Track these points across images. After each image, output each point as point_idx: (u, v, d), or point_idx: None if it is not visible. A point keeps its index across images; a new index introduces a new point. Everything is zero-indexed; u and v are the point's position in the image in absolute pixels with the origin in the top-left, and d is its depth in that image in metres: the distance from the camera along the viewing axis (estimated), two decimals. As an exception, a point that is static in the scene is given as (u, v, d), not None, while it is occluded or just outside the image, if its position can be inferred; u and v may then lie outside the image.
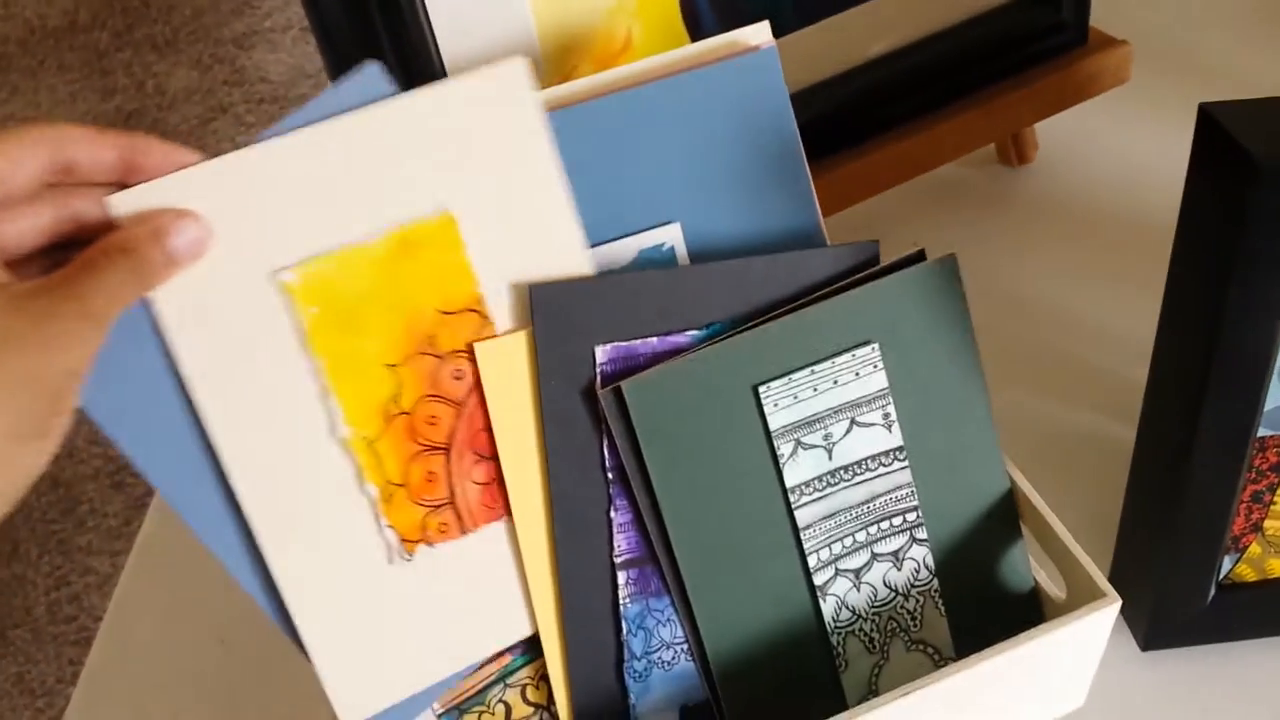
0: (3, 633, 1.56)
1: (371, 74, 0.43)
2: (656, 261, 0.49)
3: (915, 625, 0.51)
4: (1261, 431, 0.50)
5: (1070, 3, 0.70)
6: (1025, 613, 0.53)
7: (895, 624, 0.51)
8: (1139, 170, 0.76)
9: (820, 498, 0.49)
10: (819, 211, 0.51)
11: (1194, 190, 0.48)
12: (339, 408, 0.44)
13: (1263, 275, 0.46)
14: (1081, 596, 0.49)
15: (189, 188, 0.41)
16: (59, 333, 0.37)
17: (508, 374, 0.46)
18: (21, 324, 0.36)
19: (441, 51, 0.54)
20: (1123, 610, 0.56)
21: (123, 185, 0.40)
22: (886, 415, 0.49)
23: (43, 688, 1.52)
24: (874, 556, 0.50)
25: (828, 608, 0.50)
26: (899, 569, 0.50)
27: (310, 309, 0.43)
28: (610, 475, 0.47)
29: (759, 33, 0.50)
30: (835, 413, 0.48)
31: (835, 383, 0.48)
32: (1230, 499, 0.52)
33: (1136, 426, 0.56)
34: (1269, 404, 0.50)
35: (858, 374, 0.48)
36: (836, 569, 0.49)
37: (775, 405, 0.47)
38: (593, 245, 0.48)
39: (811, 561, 0.49)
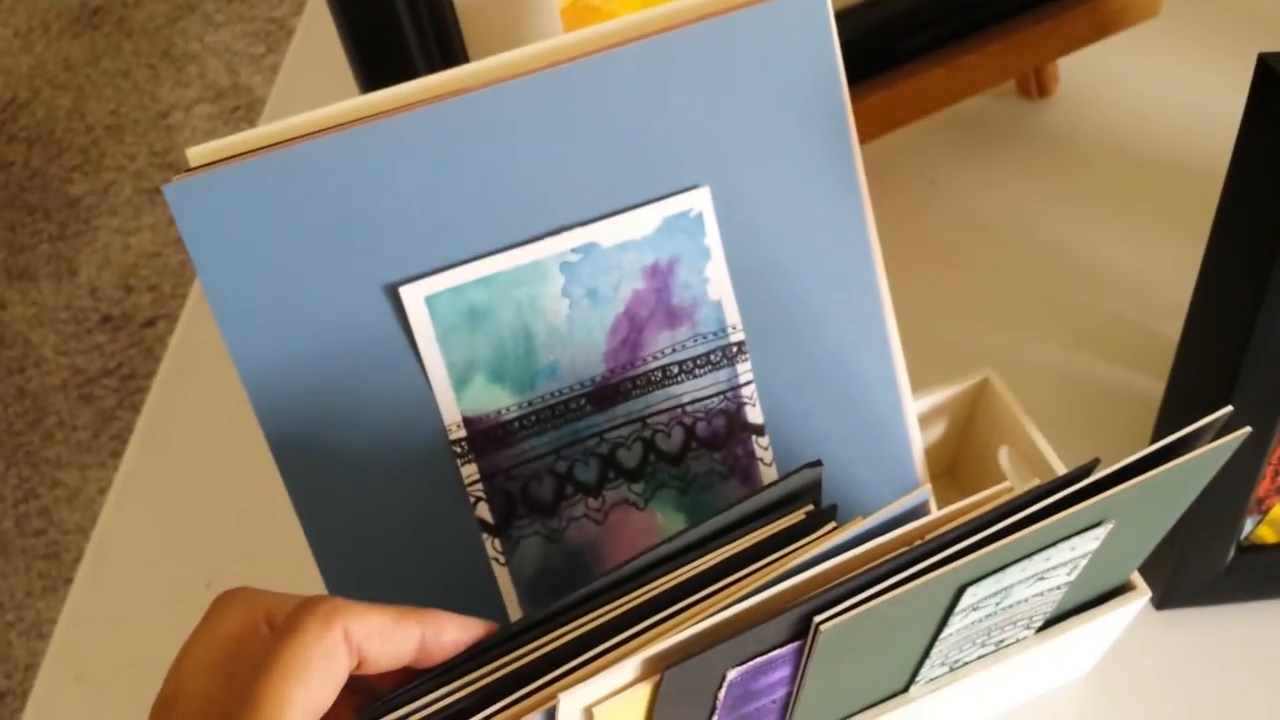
0: (-30, 545, 1.54)
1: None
2: (683, 229, 0.45)
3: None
4: (1298, 394, 0.49)
5: (1101, -69, 0.66)
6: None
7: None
8: (1162, 109, 0.73)
9: (962, 634, 0.42)
10: (861, 175, 0.46)
11: (1248, 143, 0.45)
12: None
13: (1319, 236, 0.44)
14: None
15: None
16: None
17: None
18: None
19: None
20: (1140, 568, 0.55)
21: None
22: (1074, 569, 0.42)
23: (11, 601, 1.50)
24: (980, 647, 0.45)
25: (915, 689, 0.45)
26: (997, 649, 0.45)
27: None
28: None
29: None
30: (1027, 579, 0.40)
31: (1048, 560, 0.40)
32: (1260, 462, 0.50)
33: (1166, 379, 0.54)
34: (1307, 366, 0.48)
35: (1074, 548, 0.40)
36: (942, 664, 0.44)
37: (974, 595, 0.39)
38: (614, 213, 0.44)
39: (921, 671, 0.44)
